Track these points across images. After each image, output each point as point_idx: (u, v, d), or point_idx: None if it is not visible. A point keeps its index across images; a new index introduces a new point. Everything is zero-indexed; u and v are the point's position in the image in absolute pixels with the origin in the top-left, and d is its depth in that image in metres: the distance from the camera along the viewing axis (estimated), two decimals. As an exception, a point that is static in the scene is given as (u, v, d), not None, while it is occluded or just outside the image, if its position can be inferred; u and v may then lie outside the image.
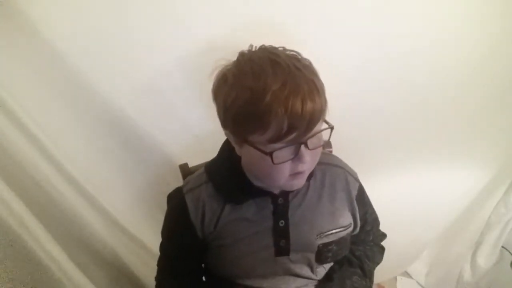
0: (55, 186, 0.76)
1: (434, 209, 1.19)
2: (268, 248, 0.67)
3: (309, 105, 0.50)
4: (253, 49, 0.58)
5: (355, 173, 0.76)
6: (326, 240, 0.68)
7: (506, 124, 1.02)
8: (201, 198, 0.67)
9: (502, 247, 1.19)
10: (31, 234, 0.66)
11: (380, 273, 0.81)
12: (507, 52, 0.89)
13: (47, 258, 0.68)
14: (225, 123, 0.58)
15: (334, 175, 0.72)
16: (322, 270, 0.74)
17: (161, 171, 0.97)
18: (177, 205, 0.69)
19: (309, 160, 0.56)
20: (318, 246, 0.68)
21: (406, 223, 1.13)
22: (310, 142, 0.54)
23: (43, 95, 0.75)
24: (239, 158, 0.64)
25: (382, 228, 0.84)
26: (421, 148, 1.07)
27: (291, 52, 0.56)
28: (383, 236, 0.85)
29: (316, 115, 0.52)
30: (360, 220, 0.74)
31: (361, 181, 0.75)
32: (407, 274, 1.56)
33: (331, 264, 0.75)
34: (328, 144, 0.94)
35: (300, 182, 0.61)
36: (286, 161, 0.55)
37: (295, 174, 0.58)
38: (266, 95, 0.49)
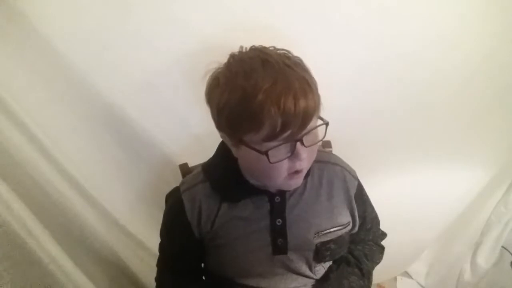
0: (55, 186, 0.76)
1: (434, 209, 1.19)
2: (266, 247, 0.67)
3: (301, 102, 0.50)
4: (244, 50, 0.58)
5: (354, 171, 0.75)
6: (324, 238, 0.68)
7: (506, 124, 1.02)
8: (198, 197, 0.67)
9: (502, 247, 1.19)
10: (31, 234, 0.66)
11: (380, 273, 0.81)
12: (508, 52, 0.89)
13: (47, 258, 0.68)
14: (219, 125, 0.58)
15: (332, 173, 0.72)
16: (321, 269, 0.73)
17: (161, 171, 0.97)
18: (174, 205, 0.70)
19: (306, 157, 0.56)
20: (316, 245, 0.68)
21: (406, 223, 1.13)
22: (305, 139, 0.54)
23: (43, 95, 0.75)
24: (235, 158, 0.64)
25: (382, 228, 0.84)
26: (421, 148, 1.07)
27: (282, 51, 0.57)
28: (383, 235, 0.84)
29: (310, 112, 0.52)
30: (359, 218, 0.74)
31: (361, 180, 0.75)
32: (407, 274, 1.56)
33: (330, 263, 0.75)
34: (327, 143, 0.94)
35: (297, 182, 0.61)
36: (283, 159, 0.54)
37: (292, 174, 0.58)
38: (258, 94, 0.49)
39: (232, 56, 0.57)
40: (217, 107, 0.55)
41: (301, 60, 0.57)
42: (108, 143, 0.89)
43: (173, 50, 0.79)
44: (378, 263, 0.82)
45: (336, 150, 0.92)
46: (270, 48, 0.57)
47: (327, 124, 0.56)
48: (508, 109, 1.00)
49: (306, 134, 0.54)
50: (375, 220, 0.82)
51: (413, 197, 1.16)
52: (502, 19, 0.84)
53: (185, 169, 0.89)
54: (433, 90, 0.94)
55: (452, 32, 0.84)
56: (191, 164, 0.89)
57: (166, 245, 0.75)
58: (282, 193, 0.67)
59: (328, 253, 0.69)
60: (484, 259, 1.22)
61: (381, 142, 1.04)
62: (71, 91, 0.78)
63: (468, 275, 1.28)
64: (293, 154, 0.55)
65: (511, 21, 0.85)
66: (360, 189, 0.75)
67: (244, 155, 0.60)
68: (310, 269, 0.71)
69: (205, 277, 0.79)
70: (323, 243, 0.68)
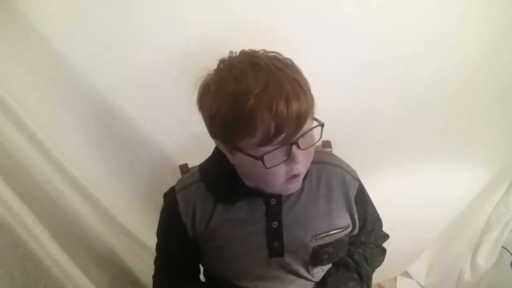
0: (55, 186, 0.76)
1: (434, 209, 1.19)
2: (262, 249, 0.66)
3: (294, 104, 0.49)
4: (234, 55, 0.57)
5: (354, 172, 0.74)
6: (321, 242, 0.67)
7: (506, 124, 1.02)
8: (192, 197, 0.67)
9: (502, 247, 1.19)
10: (31, 234, 0.66)
11: (380, 273, 0.81)
12: (508, 52, 0.89)
13: (47, 258, 0.68)
14: (213, 132, 0.57)
15: (331, 174, 0.70)
16: (320, 272, 0.73)
17: (161, 171, 0.97)
18: (169, 205, 0.69)
19: (303, 160, 0.55)
20: (313, 248, 0.66)
21: (406, 223, 1.13)
22: (301, 142, 0.53)
23: (43, 95, 0.75)
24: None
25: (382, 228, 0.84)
26: (421, 148, 1.07)
27: (272, 53, 0.55)
28: (385, 237, 0.83)
29: (303, 114, 0.51)
30: (360, 220, 0.72)
31: (361, 180, 0.74)
32: (407, 274, 1.56)
33: (330, 265, 0.74)
34: (327, 143, 0.94)
35: (296, 186, 0.60)
36: (279, 164, 0.53)
37: (290, 178, 0.57)
38: (249, 99, 0.48)
39: (222, 61, 0.56)
40: (209, 114, 0.54)
41: (292, 62, 0.56)
42: (108, 143, 0.89)
43: (173, 50, 0.79)
44: (378, 266, 0.80)
45: (336, 150, 0.92)
46: (260, 52, 0.56)
47: (322, 125, 0.55)
48: (508, 109, 0.99)
49: (301, 136, 0.52)
50: (377, 222, 0.80)
51: (413, 197, 1.16)
52: (502, 19, 0.84)
53: (185, 170, 0.89)
54: (433, 90, 0.94)
55: (452, 32, 0.84)
56: (191, 164, 0.89)
57: (162, 245, 0.74)
58: (278, 195, 0.66)
59: (326, 256, 0.68)
60: (484, 259, 1.22)
61: (381, 142, 1.04)
62: (71, 91, 0.78)
63: (468, 275, 1.28)
64: (289, 158, 0.53)
65: (511, 21, 0.85)
66: (361, 191, 0.73)
67: (240, 162, 0.58)
68: (308, 271, 0.70)
69: (203, 278, 0.79)
70: (321, 247, 0.67)
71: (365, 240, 0.79)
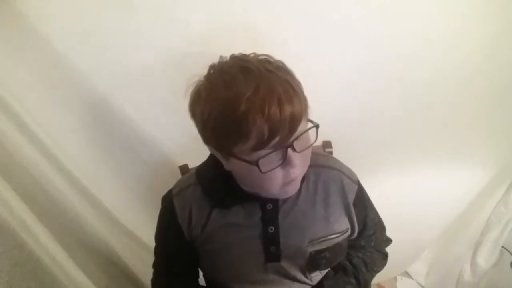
0: (55, 186, 0.76)
1: (434, 209, 1.19)
2: (258, 254, 0.65)
3: (287, 107, 0.48)
4: (224, 60, 0.56)
5: (354, 175, 0.72)
6: (318, 247, 0.66)
7: (506, 125, 1.02)
8: (188, 200, 0.66)
9: (502, 247, 1.19)
10: (31, 234, 0.66)
11: (380, 273, 0.81)
12: (508, 52, 0.88)
13: (47, 257, 0.68)
14: (206, 139, 0.56)
15: (328, 178, 0.68)
16: (318, 275, 0.72)
17: (161, 171, 0.97)
18: (166, 208, 0.69)
19: (299, 163, 0.54)
20: (310, 254, 0.65)
21: (406, 223, 1.13)
22: (296, 144, 0.51)
23: (43, 95, 0.75)
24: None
25: (382, 228, 0.83)
26: (421, 148, 1.07)
27: (263, 56, 0.55)
28: (388, 241, 0.81)
29: (297, 116, 0.50)
30: (359, 224, 0.71)
31: (361, 181, 0.73)
32: (407, 274, 1.56)
33: (328, 269, 0.73)
34: (328, 144, 0.94)
35: (294, 188, 0.59)
36: (275, 168, 0.52)
37: (287, 182, 0.56)
38: (240, 103, 0.47)
39: (212, 67, 0.55)
40: (201, 121, 0.53)
41: (283, 63, 0.55)
42: (108, 143, 0.89)
43: (173, 50, 0.79)
44: (378, 271, 0.79)
45: (336, 150, 0.92)
46: (251, 55, 0.55)
47: (317, 126, 0.54)
48: (508, 109, 0.99)
49: (296, 139, 0.51)
50: (379, 226, 0.78)
51: (413, 197, 1.16)
52: (502, 19, 0.84)
53: (185, 171, 0.89)
54: (433, 90, 0.94)
55: (452, 32, 0.84)
56: (191, 165, 0.89)
57: (160, 247, 0.74)
58: (274, 200, 0.65)
59: (324, 261, 0.67)
60: (484, 259, 1.22)
61: (381, 142, 1.04)
62: (71, 91, 0.78)
63: (468, 275, 1.28)
64: (285, 161, 0.52)
65: (511, 21, 0.85)
66: (360, 194, 0.71)
67: (235, 168, 0.58)
68: (306, 276, 0.69)
69: (201, 281, 0.78)
70: (318, 252, 0.66)
71: (365, 244, 0.77)
